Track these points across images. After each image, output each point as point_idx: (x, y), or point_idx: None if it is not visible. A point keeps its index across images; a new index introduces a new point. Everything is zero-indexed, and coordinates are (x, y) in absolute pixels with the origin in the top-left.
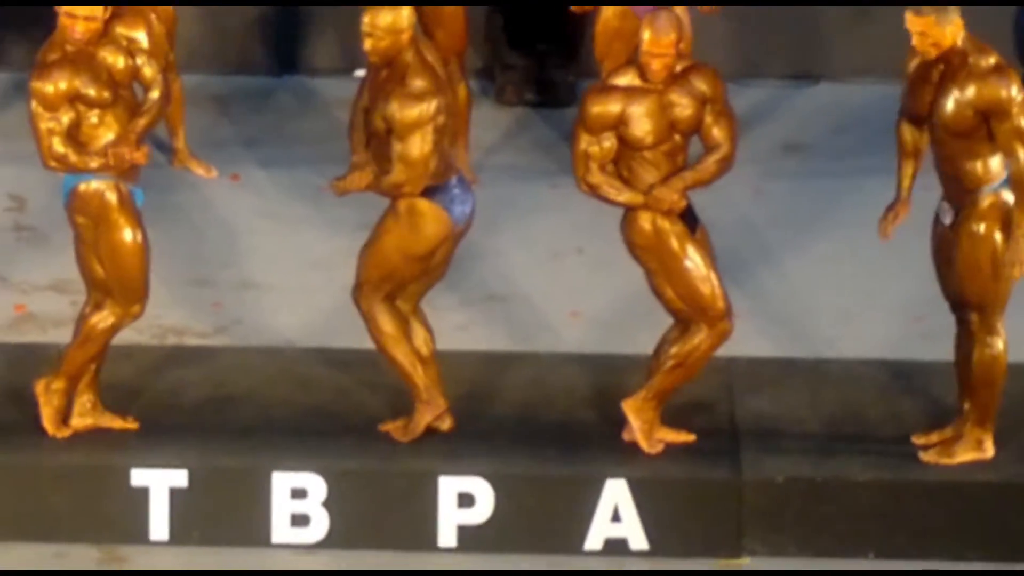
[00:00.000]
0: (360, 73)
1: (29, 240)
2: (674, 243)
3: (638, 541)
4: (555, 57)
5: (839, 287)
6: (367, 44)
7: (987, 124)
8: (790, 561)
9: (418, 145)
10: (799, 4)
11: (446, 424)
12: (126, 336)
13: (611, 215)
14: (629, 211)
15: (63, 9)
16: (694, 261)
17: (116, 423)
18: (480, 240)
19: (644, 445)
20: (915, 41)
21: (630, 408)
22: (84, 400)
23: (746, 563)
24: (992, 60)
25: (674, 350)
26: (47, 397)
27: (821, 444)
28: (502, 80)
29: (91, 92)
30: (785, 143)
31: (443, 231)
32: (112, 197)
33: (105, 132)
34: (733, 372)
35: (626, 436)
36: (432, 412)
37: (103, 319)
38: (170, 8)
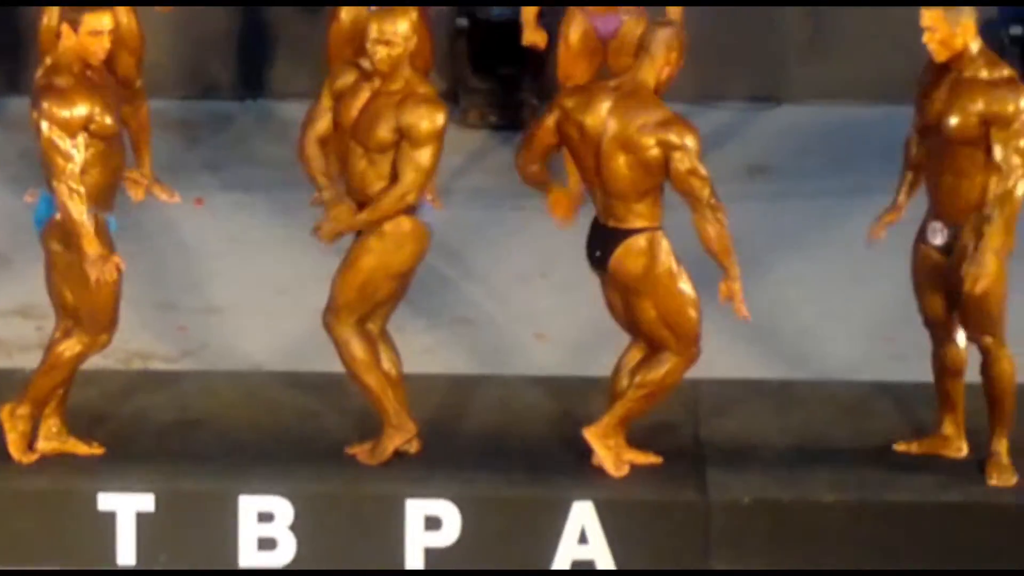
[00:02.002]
0: None
1: None
2: (671, 264)
3: (605, 563)
4: (519, 80)
5: (805, 308)
6: (381, 53)
7: (988, 136)
8: None
9: (432, 154)
10: (760, 28)
11: (413, 447)
12: (91, 361)
13: (577, 239)
14: (627, 235)
15: (87, 28)
16: (687, 283)
17: (81, 449)
18: (446, 263)
19: (611, 470)
20: (924, 38)
21: (593, 436)
22: (50, 424)
23: None
24: (1005, 72)
25: (640, 378)
26: (12, 423)
27: (788, 465)
28: (466, 103)
29: (105, 121)
30: (748, 165)
31: (425, 246)
32: (88, 226)
33: (98, 168)
34: (699, 393)
35: (595, 461)
36: (402, 437)
37: (70, 347)
38: (138, 35)
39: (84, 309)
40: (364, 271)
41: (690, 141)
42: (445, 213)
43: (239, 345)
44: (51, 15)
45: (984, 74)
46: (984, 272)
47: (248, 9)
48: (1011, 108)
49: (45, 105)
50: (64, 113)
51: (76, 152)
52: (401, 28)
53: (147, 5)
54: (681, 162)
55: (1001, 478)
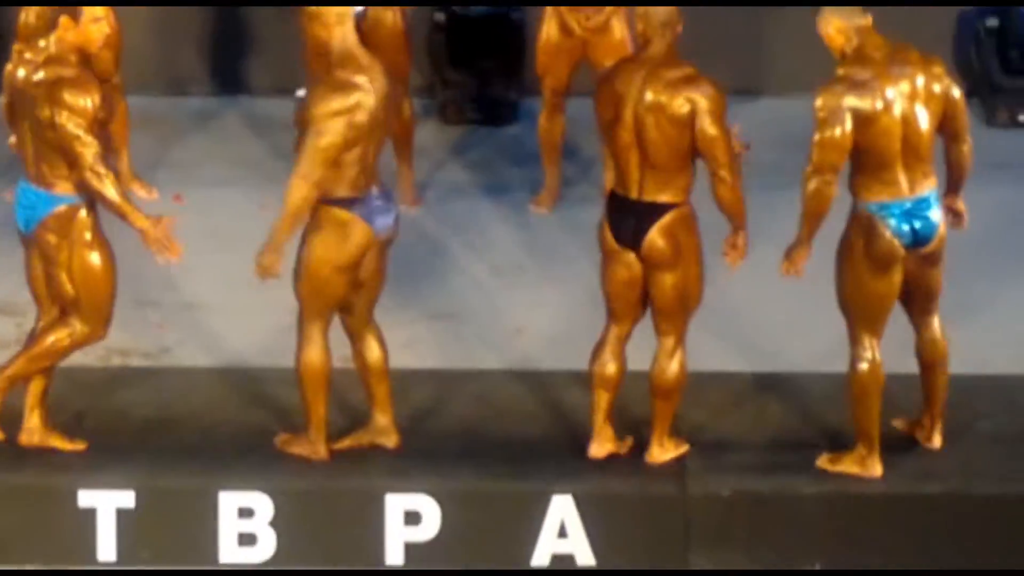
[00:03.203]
0: (301, 93)
1: None
2: (699, 238)
3: (585, 557)
4: (497, 75)
5: (781, 300)
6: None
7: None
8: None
9: (317, 134)
10: (739, 20)
11: (392, 441)
12: (71, 357)
13: (554, 232)
14: (666, 210)
15: (90, 16)
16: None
17: (63, 444)
18: (424, 258)
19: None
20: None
21: (658, 457)
22: (34, 417)
23: None
24: (841, 72)
25: (661, 383)
26: None
27: (766, 458)
28: (444, 98)
29: (104, 112)
30: None
31: (365, 240)
32: (87, 217)
33: None
34: None
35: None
36: (309, 453)
37: (65, 337)
38: (115, 30)
39: (86, 300)
40: (310, 266)
41: (716, 100)
42: (424, 208)
43: (218, 341)
44: (28, 12)
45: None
46: (791, 259)
47: (225, 6)
48: (817, 104)
49: (61, 96)
50: (82, 102)
51: (95, 140)
52: (310, 7)
53: (123, 4)
54: (705, 120)
55: (830, 462)
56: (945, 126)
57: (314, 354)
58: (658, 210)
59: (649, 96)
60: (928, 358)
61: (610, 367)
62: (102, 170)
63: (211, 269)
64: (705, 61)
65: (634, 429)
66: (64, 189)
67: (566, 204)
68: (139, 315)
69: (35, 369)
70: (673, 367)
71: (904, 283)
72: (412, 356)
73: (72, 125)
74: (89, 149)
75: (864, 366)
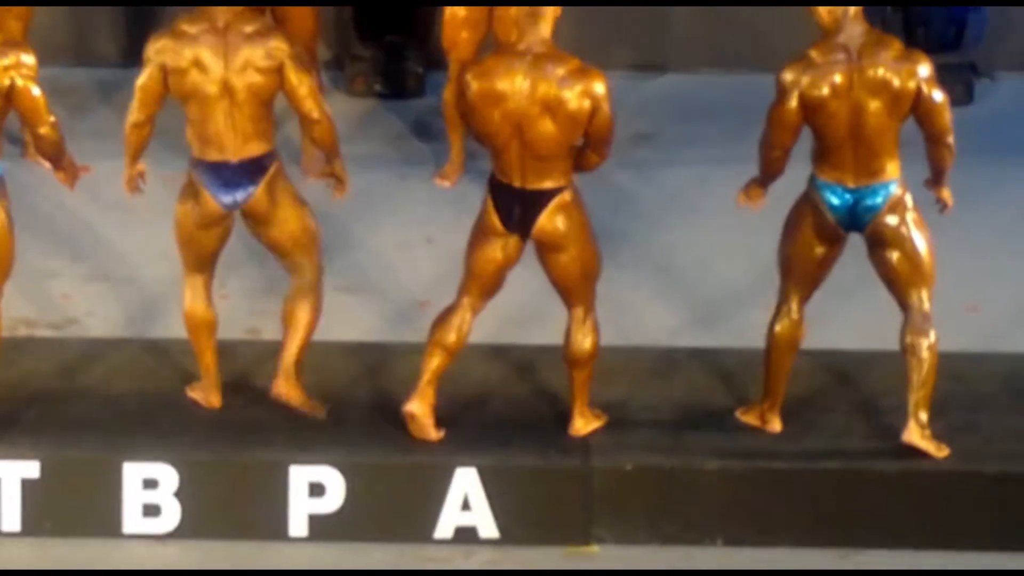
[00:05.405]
0: None
1: None
2: (586, 215)
3: (488, 529)
4: (405, 48)
5: (689, 275)
6: None
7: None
8: (638, 549)
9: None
10: None
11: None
12: None
13: (460, 206)
14: (553, 195)
15: None
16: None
17: None
18: (330, 230)
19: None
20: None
21: (580, 430)
22: None
23: (595, 551)
24: (811, 52)
25: (578, 355)
26: None
27: (670, 432)
28: (351, 71)
29: None
30: (634, 133)
31: (209, 210)
32: None
33: None
34: None
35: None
36: (202, 399)
37: None
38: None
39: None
40: (175, 221)
41: (607, 90)
42: (330, 181)
43: (125, 312)
44: None
45: None
46: (747, 193)
47: None
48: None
49: (14, 59)
50: (29, 60)
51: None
52: None
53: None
54: (604, 111)
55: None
56: (922, 126)
57: (191, 305)
58: (544, 196)
59: (541, 92)
60: (902, 346)
61: (454, 336)
62: (53, 118)
63: (117, 241)
64: (608, 37)
65: (538, 403)
66: None
67: (470, 177)
68: (45, 287)
69: None
70: (587, 336)
71: (876, 267)
72: (317, 329)
73: (29, 84)
74: (43, 100)
75: (782, 324)
